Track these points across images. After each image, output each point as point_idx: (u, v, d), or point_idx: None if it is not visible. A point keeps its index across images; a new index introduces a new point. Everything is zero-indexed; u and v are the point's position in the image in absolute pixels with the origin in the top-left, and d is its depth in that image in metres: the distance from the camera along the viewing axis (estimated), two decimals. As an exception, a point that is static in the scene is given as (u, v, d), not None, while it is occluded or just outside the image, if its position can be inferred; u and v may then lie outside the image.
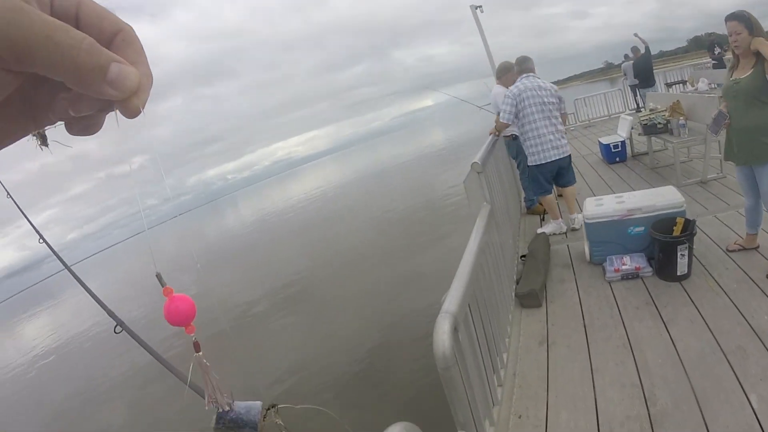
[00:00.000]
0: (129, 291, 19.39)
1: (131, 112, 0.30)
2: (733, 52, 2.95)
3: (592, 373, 2.55)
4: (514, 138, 5.30)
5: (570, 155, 4.65)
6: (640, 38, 10.43)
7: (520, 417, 2.40)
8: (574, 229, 4.68)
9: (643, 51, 10.44)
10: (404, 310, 6.91)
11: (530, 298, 3.44)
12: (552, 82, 4.66)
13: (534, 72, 4.61)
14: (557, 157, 4.56)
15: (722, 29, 2.96)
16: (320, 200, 29.37)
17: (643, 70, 10.35)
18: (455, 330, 1.67)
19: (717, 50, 11.07)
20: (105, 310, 3.07)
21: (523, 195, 5.73)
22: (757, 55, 2.78)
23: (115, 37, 0.31)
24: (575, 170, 6.99)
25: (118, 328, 2.96)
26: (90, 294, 3.19)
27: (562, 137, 4.56)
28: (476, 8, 10.96)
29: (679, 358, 2.46)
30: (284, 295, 10.43)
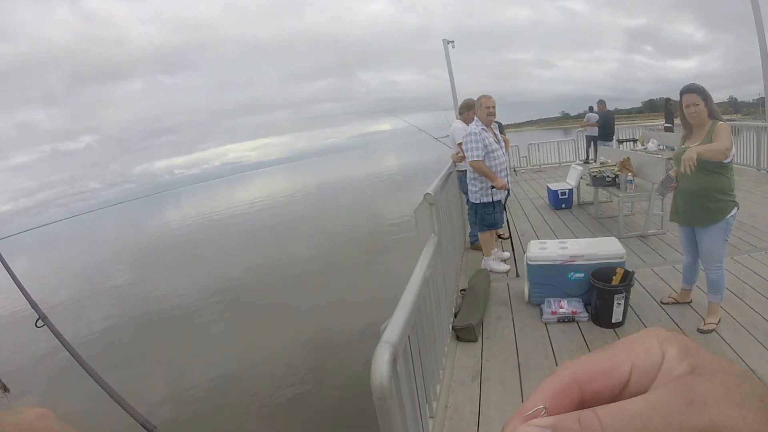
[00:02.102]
0: (60, 279, 18.04)
1: None
2: (685, 121, 3.08)
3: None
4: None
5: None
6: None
7: (446, 452, 2.34)
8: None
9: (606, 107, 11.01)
10: (338, 333, 6.69)
11: (467, 333, 3.42)
12: (508, 125, 4.73)
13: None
14: None
15: (675, 95, 3.09)
16: (267, 210, 28.65)
17: (606, 124, 10.83)
18: (394, 360, 1.61)
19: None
20: (28, 300, 2.77)
21: (468, 230, 5.78)
22: (710, 128, 2.92)
23: None
24: (522, 212, 7.13)
25: (40, 322, 2.67)
26: (13, 279, 2.89)
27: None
28: (448, 43, 11.22)
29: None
30: (218, 299, 10.00)
